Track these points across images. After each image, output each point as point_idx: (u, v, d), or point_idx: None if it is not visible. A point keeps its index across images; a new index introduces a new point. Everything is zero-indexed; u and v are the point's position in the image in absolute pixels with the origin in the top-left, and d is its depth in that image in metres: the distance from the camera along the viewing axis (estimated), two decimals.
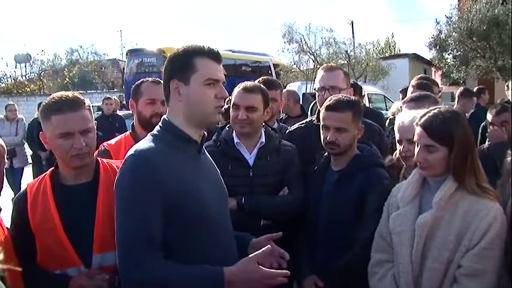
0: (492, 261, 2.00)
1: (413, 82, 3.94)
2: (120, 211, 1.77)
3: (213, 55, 1.88)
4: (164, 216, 1.75)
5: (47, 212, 2.03)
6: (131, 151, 1.82)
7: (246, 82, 2.89)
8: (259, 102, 2.77)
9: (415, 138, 2.16)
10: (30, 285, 1.93)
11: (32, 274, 1.91)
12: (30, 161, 9.40)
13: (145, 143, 1.85)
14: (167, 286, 1.72)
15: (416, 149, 2.16)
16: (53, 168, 2.16)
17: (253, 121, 2.75)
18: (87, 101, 2.14)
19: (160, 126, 1.91)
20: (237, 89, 2.83)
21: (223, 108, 1.96)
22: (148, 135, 1.91)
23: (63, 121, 2.02)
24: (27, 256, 1.97)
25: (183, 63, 1.85)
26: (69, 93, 2.12)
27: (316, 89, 3.15)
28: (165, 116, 1.93)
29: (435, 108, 2.20)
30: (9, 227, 2.12)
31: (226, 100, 2.16)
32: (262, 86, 2.91)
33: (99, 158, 2.23)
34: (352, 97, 2.74)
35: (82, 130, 2.03)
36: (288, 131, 3.24)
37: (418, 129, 2.15)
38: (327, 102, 2.64)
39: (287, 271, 1.77)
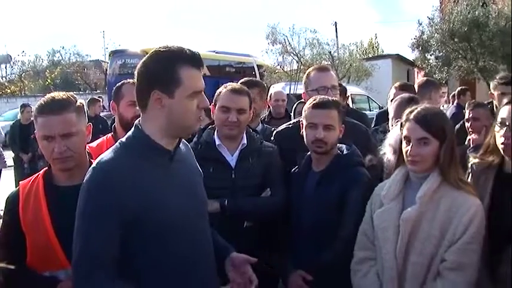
0: (474, 255, 2.06)
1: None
2: (76, 223, 1.73)
3: (196, 62, 1.78)
4: (123, 228, 1.70)
5: (38, 213, 2.03)
6: (94, 163, 1.78)
7: (231, 84, 2.88)
8: (247, 104, 2.78)
9: (406, 133, 2.19)
10: (18, 286, 1.90)
11: (21, 274, 1.89)
12: (10, 163, 9.29)
13: (110, 153, 1.79)
14: None
15: (405, 146, 2.19)
16: (46, 168, 2.15)
17: (242, 123, 2.75)
18: (79, 102, 2.13)
19: (131, 133, 1.84)
20: (224, 91, 2.79)
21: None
22: (117, 143, 1.85)
23: (44, 124, 2.02)
24: (16, 256, 1.94)
25: (167, 74, 1.73)
26: (61, 95, 2.11)
27: (316, 89, 3.13)
28: (137, 122, 1.85)
29: (421, 105, 2.26)
30: None
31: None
32: (246, 87, 2.91)
33: (92, 160, 2.20)
34: (335, 98, 2.77)
35: (63, 134, 2.01)
36: (276, 131, 3.23)
37: (409, 124, 2.18)
38: (312, 102, 2.66)
39: None
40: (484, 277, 2.09)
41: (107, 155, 1.79)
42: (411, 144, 2.16)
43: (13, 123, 9.04)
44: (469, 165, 2.31)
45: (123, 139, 1.85)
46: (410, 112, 2.21)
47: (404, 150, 2.21)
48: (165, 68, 1.73)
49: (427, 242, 2.10)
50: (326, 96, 2.72)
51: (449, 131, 2.19)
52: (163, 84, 1.73)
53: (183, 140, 1.98)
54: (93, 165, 1.77)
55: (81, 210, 1.72)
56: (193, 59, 1.77)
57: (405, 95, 3.25)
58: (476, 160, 2.29)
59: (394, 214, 2.20)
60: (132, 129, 1.85)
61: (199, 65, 1.79)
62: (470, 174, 2.32)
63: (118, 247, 1.71)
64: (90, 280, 1.67)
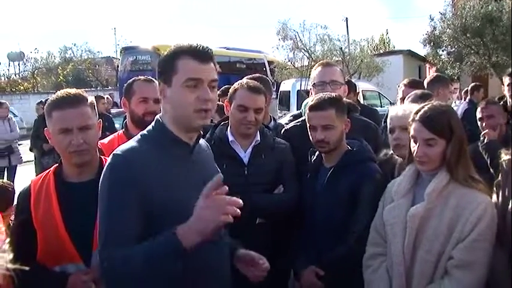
0: (482, 253, 2.03)
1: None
2: (99, 209, 1.76)
3: (197, 54, 1.79)
4: (144, 216, 1.71)
5: (49, 209, 2.06)
6: (116, 150, 1.80)
7: (247, 81, 2.87)
8: (264, 103, 2.79)
9: (412, 133, 2.19)
10: (29, 281, 1.92)
11: (32, 271, 1.91)
12: (25, 159, 9.42)
13: (131, 143, 1.82)
14: (130, 262, 1.66)
15: (413, 145, 2.18)
16: (57, 165, 2.18)
17: (259, 122, 2.77)
18: (90, 98, 2.16)
19: (152, 126, 1.88)
20: (241, 89, 2.78)
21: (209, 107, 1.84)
22: (138, 134, 1.88)
23: (62, 117, 2.05)
24: (28, 252, 1.96)
25: (166, 65, 1.81)
26: (73, 91, 2.14)
27: (315, 84, 3.14)
28: (158, 116, 1.89)
29: (429, 103, 2.24)
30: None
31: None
32: (261, 85, 2.89)
33: (102, 157, 2.23)
34: (334, 94, 2.75)
35: (81, 127, 2.04)
36: (284, 129, 3.23)
37: (415, 125, 2.17)
38: (309, 103, 2.66)
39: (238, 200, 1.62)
40: (509, 278, 2.04)
41: (129, 144, 1.81)
42: (418, 144, 2.15)
43: (38, 118, 9.07)
44: (500, 162, 2.23)
45: (145, 131, 1.88)
46: (417, 112, 2.19)
47: (412, 150, 2.20)
48: (166, 60, 1.82)
49: (434, 239, 2.09)
50: (324, 94, 2.69)
51: (457, 128, 2.15)
52: (164, 74, 1.81)
53: (204, 139, 2.01)
54: (115, 151, 1.78)
55: (104, 194, 1.74)
56: (194, 52, 1.79)
57: (418, 91, 3.24)
58: (508, 157, 2.20)
59: (404, 210, 2.20)
60: (153, 122, 1.88)
61: (202, 57, 1.79)
62: (501, 171, 2.23)
63: (140, 234, 1.71)
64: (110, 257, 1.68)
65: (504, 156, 2.21)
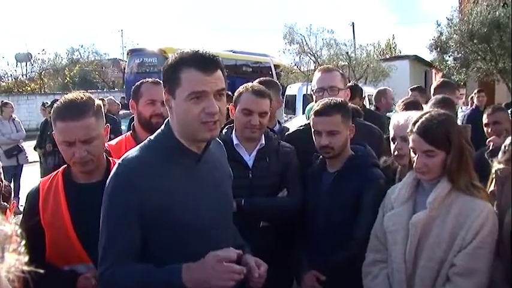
0: (484, 260, 2.03)
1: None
2: (101, 218, 1.78)
3: (201, 64, 1.69)
4: (144, 225, 1.72)
5: (58, 209, 2.07)
6: (120, 159, 1.81)
7: (252, 85, 2.87)
8: (268, 107, 2.79)
9: (412, 145, 2.18)
10: (42, 282, 1.94)
11: (45, 271, 1.93)
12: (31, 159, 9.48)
13: (136, 151, 1.81)
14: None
15: (414, 156, 2.18)
16: (66, 165, 2.18)
17: (264, 126, 2.77)
18: (97, 102, 2.14)
19: (161, 130, 1.86)
20: (246, 93, 2.78)
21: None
22: (146, 140, 1.87)
23: (64, 130, 2.03)
24: (36, 251, 1.97)
25: (170, 76, 1.74)
26: (79, 97, 2.09)
27: (314, 91, 3.15)
28: (168, 120, 1.86)
29: (426, 113, 2.22)
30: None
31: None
32: (267, 89, 2.89)
33: (110, 158, 2.25)
34: (339, 99, 2.75)
35: (84, 140, 2.03)
36: (287, 134, 3.24)
37: (414, 136, 2.16)
38: (315, 108, 2.66)
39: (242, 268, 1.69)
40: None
41: (133, 152, 1.81)
42: (417, 156, 2.15)
43: (44, 120, 9.19)
44: (493, 170, 2.21)
45: (152, 137, 1.87)
46: (415, 123, 2.17)
47: (412, 160, 2.20)
48: (170, 70, 1.76)
49: (436, 246, 2.09)
50: (329, 99, 2.69)
51: (456, 138, 2.13)
52: (168, 84, 1.77)
53: (216, 139, 1.98)
54: (120, 161, 1.79)
55: (106, 203, 1.76)
56: (198, 62, 1.70)
57: (439, 95, 3.24)
58: (502, 165, 2.18)
59: (405, 218, 2.20)
60: (163, 126, 1.87)
61: (206, 67, 1.71)
62: (495, 180, 2.22)
63: (140, 245, 1.74)
64: (114, 269, 1.71)
65: (497, 165, 2.20)
